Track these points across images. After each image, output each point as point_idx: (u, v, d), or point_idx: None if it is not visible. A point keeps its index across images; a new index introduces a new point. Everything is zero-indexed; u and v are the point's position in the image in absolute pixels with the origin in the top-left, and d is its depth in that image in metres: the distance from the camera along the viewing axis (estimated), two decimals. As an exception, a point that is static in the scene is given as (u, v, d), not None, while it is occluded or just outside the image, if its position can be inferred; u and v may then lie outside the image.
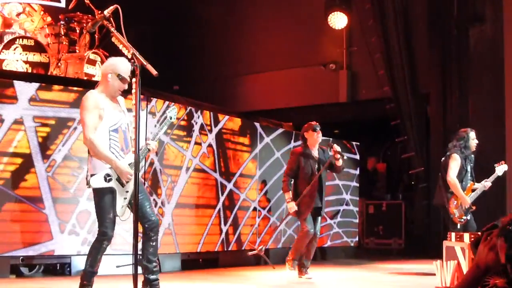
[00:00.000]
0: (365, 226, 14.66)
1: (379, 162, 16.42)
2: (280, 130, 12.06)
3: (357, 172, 13.82)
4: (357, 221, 13.86)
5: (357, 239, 13.82)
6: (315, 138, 8.89)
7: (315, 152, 8.94)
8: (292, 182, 8.91)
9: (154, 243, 6.16)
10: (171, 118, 6.24)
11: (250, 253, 9.97)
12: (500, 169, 8.93)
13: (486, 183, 8.81)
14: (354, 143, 13.78)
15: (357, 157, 13.85)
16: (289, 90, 15.42)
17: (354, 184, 13.75)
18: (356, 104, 14.96)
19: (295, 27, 15.47)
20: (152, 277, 6.16)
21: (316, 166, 8.85)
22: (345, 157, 9.02)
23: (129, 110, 6.12)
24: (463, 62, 13.38)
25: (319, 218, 8.95)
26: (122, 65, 6.03)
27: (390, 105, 14.09)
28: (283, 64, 15.48)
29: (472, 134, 8.82)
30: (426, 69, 13.96)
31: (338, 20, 14.47)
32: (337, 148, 8.73)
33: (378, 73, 14.20)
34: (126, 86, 6.12)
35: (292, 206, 8.71)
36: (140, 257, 5.96)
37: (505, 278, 2.63)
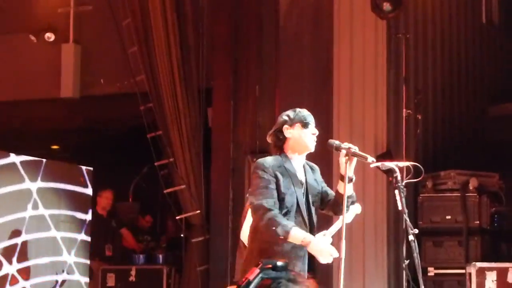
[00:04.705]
0: (100, 308, 11.66)
1: (128, 200, 13.61)
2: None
3: (89, 216, 10.90)
4: (85, 300, 11.13)
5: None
6: (307, 142, 5.57)
7: (299, 171, 5.65)
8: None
9: None
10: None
11: None
12: None
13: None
14: (84, 168, 11.08)
15: (89, 191, 10.99)
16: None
17: (83, 237, 10.90)
18: (89, 100, 11.89)
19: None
20: None
21: (303, 195, 5.61)
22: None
23: None
24: (270, 38, 10.46)
25: None
26: None
27: (146, 106, 10.98)
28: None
29: None
30: (209, 50, 11.02)
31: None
32: (353, 148, 5.59)
33: (127, 51, 11.03)
34: None
35: (324, 245, 5.42)
36: None
37: None
